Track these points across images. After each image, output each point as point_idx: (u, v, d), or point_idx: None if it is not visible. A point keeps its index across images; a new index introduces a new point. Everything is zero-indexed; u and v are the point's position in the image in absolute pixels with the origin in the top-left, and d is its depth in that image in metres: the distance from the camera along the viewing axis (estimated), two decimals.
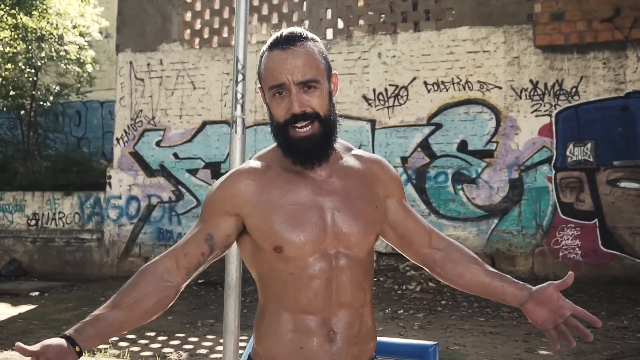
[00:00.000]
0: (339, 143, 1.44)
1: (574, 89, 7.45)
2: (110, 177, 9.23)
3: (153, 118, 9.13)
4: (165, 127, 9.08)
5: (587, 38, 7.43)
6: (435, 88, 7.94)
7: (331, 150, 1.37)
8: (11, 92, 10.58)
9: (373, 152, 8.04)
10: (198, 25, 9.07)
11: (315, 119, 1.31)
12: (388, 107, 8.11)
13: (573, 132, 7.43)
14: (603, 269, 7.16)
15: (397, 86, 8.09)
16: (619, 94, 7.29)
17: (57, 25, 9.95)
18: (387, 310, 6.12)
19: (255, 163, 1.41)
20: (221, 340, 3.25)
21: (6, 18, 9.74)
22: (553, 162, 7.47)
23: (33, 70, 10.54)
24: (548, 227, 7.42)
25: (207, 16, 9.04)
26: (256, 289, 1.44)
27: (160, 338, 5.40)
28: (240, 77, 2.85)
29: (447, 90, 7.89)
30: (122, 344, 5.19)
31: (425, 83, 7.97)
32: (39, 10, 9.69)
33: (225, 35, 8.91)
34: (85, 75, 10.77)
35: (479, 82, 7.77)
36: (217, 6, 8.99)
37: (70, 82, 11.15)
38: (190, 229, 1.41)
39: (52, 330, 5.72)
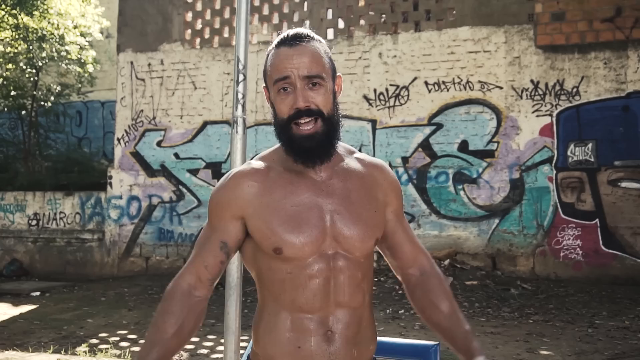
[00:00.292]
0: (341, 146, 1.44)
1: (575, 89, 7.44)
2: (111, 177, 9.24)
3: (154, 118, 9.14)
4: (166, 127, 9.08)
5: (588, 38, 7.42)
6: (436, 88, 7.93)
7: (333, 150, 1.37)
8: (12, 92, 10.59)
9: (374, 152, 8.09)
10: (199, 25, 9.07)
11: (319, 117, 1.31)
12: (389, 107, 8.11)
13: (574, 132, 7.42)
14: (604, 269, 7.15)
15: (398, 86, 8.09)
16: (620, 94, 7.29)
17: (58, 25, 9.96)
18: (388, 310, 6.12)
19: (257, 163, 1.40)
20: (222, 340, 3.25)
21: (7, 18, 9.75)
22: (554, 162, 7.46)
23: (34, 71, 10.55)
24: (549, 227, 7.42)
25: (208, 16, 9.04)
26: (256, 289, 1.44)
27: None
28: (241, 77, 2.85)
29: (448, 90, 7.89)
30: (123, 344, 5.19)
31: (426, 83, 7.97)
32: (40, 10, 9.70)
33: (226, 35, 8.92)
34: (86, 75, 10.78)
35: (479, 82, 7.76)
36: (217, 6, 9.00)
37: (71, 82, 11.15)
38: (202, 235, 1.40)
39: (53, 330, 5.72)
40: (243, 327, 2.91)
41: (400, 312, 6.13)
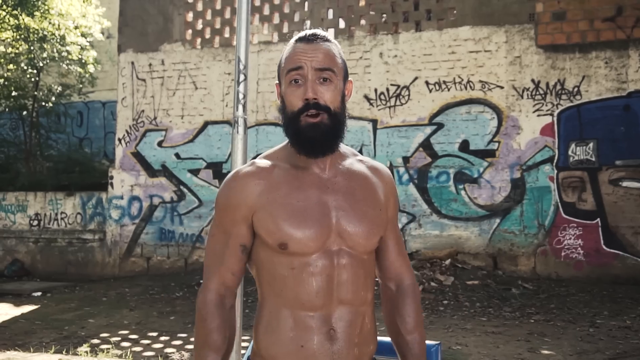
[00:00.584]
0: (345, 147, 1.47)
1: (575, 89, 7.44)
2: (112, 177, 9.25)
3: (155, 118, 9.14)
4: (167, 128, 9.09)
5: (589, 37, 7.42)
6: (437, 88, 7.93)
7: (337, 144, 1.39)
8: (13, 93, 10.60)
9: (375, 152, 8.09)
10: (199, 26, 9.08)
11: (326, 112, 1.33)
12: (390, 107, 8.11)
13: (575, 132, 7.42)
14: (605, 268, 7.15)
15: (398, 86, 8.09)
16: (621, 94, 7.28)
17: (59, 25, 9.97)
18: None
19: (261, 162, 1.42)
20: None
21: (8, 19, 9.76)
22: (555, 161, 7.46)
23: (35, 71, 10.56)
24: (550, 227, 7.41)
25: (208, 16, 9.04)
26: (257, 287, 1.44)
27: (162, 338, 5.40)
28: (241, 77, 2.85)
29: (448, 90, 7.88)
30: (125, 344, 5.19)
31: (427, 83, 7.97)
32: (41, 11, 9.71)
33: (226, 35, 8.92)
34: (87, 75, 10.79)
35: (480, 81, 7.76)
36: (218, 6, 9.00)
37: (72, 82, 11.16)
38: (215, 241, 1.40)
39: (54, 330, 5.73)
40: (244, 327, 2.92)
41: None
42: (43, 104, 10.95)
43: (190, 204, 8.85)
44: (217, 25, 8.98)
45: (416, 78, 8.02)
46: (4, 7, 9.63)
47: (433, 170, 7.89)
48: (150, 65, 9.20)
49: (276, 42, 8.69)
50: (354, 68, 8.20)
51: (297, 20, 8.65)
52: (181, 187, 8.93)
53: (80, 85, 11.23)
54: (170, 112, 9.09)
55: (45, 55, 10.07)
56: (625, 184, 7.19)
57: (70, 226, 9.49)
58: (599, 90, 7.36)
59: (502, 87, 7.70)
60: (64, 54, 10.15)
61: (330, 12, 8.54)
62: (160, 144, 9.10)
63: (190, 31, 9.09)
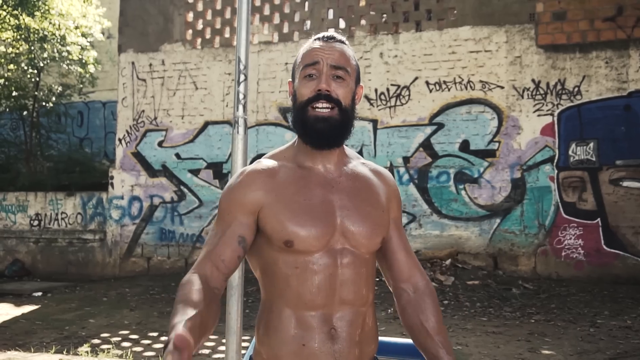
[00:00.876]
0: (350, 151, 1.50)
1: (576, 89, 7.43)
2: (112, 177, 9.25)
3: (155, 118, 9.15)
4: (167, 128, 9.09)
5: (589, 37, 7.41)
6: (437, 88, 7.93)
7: (343, 140, 1.40)
8: (14, 93, 10.60)
9: (375, 152, 8.08)
10: (200, 26, 9.08)
11: (337, 106, 1.35)
12: (390, 107, 8.11)
13: (575, 132, 7.42)
14: (606, 268, 7.14)
15: (399, 86, 8.09)
16: (622, 93, 7.28)
17: (59, 25, 9.97)
18: (389, 310, 6.12)
19: (268, 161, 1.43)
20: (223, 341, 3.25)
21: (9, 19, 9.76)
22: (555, 161, 7.46)
23: (35, 71, 10.56)
24: (550, 227, 7.41)
25: (208, 16, 9.04)
26: (258, 288, 1.45)
27: (163, 338, 5.40)
28: (242, 77, 2.85)
29: (449, 90, 7.88)
30: (125, 344, 5.20)
31: (427, 83, 7.97)
32: (42, 11, 9.71)
33: (227, 35, 8.92)
34: (87, 75, 10.79)
35: (481, 81, 7.76)
36: (218, 6, 9.00)
37: (72, 82, 11.17)
38: (213, 232, 1.37)
39: (55, 330, 5.73)
40: (244, 327, 2.92)
41: None
42: (43, 104, 10.95)
43: (190, 204, 8.85)
44: (218, 26, 8.98)
45: (416, 78, 8.02)
46: (5, 7, 9.63)
47: (433, 170, 7.89)
48: (150, 65, 9.21)
49: (276, 42, 8.69)
50: None
51: (297, 21, 8.65)
52: (181, 187, 8.93)
53: (81, 86, 11.24)
54: (170, 112, 9.09)
55: (45, 55, 10.07)
56: (625, 183, 7.19)
57: (70, 226, 9.49)
58: (599, 90, 7.36)
59: (502, 87, 7.69)
60: (65, 54, 10.15)
61: (331, 12, 8.54)
62: (160, 144, 9.10)
63: (190, 31, 9.09)
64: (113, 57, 11.25)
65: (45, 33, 9.85)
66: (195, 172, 8.88)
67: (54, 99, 10.97)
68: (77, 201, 9.52)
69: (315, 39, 1.42)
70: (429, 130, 7.94)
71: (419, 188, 7.92)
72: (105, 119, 12.74)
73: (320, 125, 1.34)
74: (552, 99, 7.52)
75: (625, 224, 7.16)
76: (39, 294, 7.96)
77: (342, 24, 8.53)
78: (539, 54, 7.58)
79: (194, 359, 4.73)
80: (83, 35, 10.30)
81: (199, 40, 9.05)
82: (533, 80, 7.59)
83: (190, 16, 9.12)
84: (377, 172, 1.50)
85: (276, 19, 8.76)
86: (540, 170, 7.50)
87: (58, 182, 9.86)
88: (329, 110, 1.34)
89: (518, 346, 4.86)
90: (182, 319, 1.08)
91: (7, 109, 11.23)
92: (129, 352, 4.82)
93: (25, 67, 10.45)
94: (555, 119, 7.49)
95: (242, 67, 2.85)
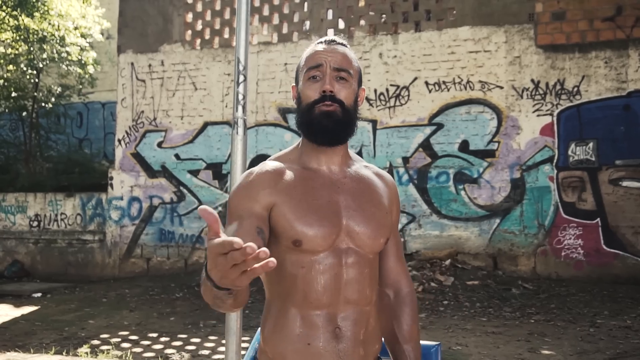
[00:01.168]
0: (353, 154, 1.53)
1: (575, 89, 7.44)
2: (112, 178, 9.25)
3: (154, 119, 9.14)
4: (166, 128, 9.08)
5: (588, 37, 7.42)
6: (437, 88, 7.93)
7: (347, 137, 1.43)
8: (13, 94, 10.59)
9: (374, 152, 8.09)
10: (199, 26, 9.08)
11: (340, 105, 1.39)
12: (389, 107, 8.11)
13: (575, 132, 7.42)
14: (606, 268, 7.15)
15: (398, 86, 8.09)
16: (621, 93, 7.28)
17: (58, 26, 9.96)
18: None
19: (274, 163, 1.45)
20: (223, 341, 3.25)
21: (8, 19, 9.75)
22: (555, 161, 7.46)
23: (35, 72, 10.55)
24: (550, 227, 7.41)
25: (208, 17, 9.04)
26: (259, 289, 1.45)
27: (162, 339, 5.40)
28: (241, 78, 2.85)
29: (448, 90, 7.88)
30: (125, 345, 5.19)
31: (427, 83, 7.97)
32: (41, 11, 9.70)
33: (226, 36, 8.92)
34: (86, 76, 10.79)
35: (480, 82, 7.76)
36: (218, 7, 9.00)
37: (71, 83, 11.16)
38: (227, 227, 1.32)
39: (54, 331, 5.73)
40: (244, 327, 2.91)
41: None
42: (43, 104, 10.95)
43: (190, 204, 8.85)
44: (217, 26, 8.98)
45: (416, 78, 8.02)
46: (4, 7, 9.63)
47: (433, 171, 7.89)
48: (149, 66, 9.20)
49: (276, 42, 8.69)
50: None
51: (296, 21, 8.65)
52: (181, 187, 8.93)
53: (80, 86, 11.23)
54: (169, 112, 9.09)
55: (45, 56, 10.07)
56: (625, 183, 7.19)
57: (70, 227, 9.49)
58: (598, 90, 7.36)
59: (501, 87, 7.70)
60: (64, 54, 10.14)
61: (330, 12, 8.54)
62: (160, 144, 9.10)
63: (189, 32, 9.09)
64: (112, 57, 11.24)
65: (45, 34, 9.85)
66: (194, 172, 8.88)
67: (53, 99, 10.97)
68: (77, 202, 9.51)
69: (318, 43, 1.45)
70: (428, 130, 7.94)
71: (419, 188, 7.92)
72: (104, 119, 12.73)
73: (326, 121, 1.37)
74: (552, 99, 7.52)
75: (624, 223, 7.17)
76: (39, 294, 7.95)
77: (341, 24, 8.53)
78: (538, 54, 7.59)
79: (194, 359, 4.73)
80: (82, 36, 10.30)
81: (198, 41, 9.05)
82: (532, 81, 7.59)
83: (189, 17, 9.11)
84: (380, 176, 1.53)
85: (275, 20, 8.76)
86: (539, 170, 7.51)
87: (57, 183, 9.85)
88: (332, 106, 1.38)
89: (518, 346, 4.86)
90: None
91: (7, 110, 11.22)
92: (128, 353, 4.82)
93: (25, 68, 10.45)
94: (555, 119, 7.49)
95: (241, 67, 2.85)
